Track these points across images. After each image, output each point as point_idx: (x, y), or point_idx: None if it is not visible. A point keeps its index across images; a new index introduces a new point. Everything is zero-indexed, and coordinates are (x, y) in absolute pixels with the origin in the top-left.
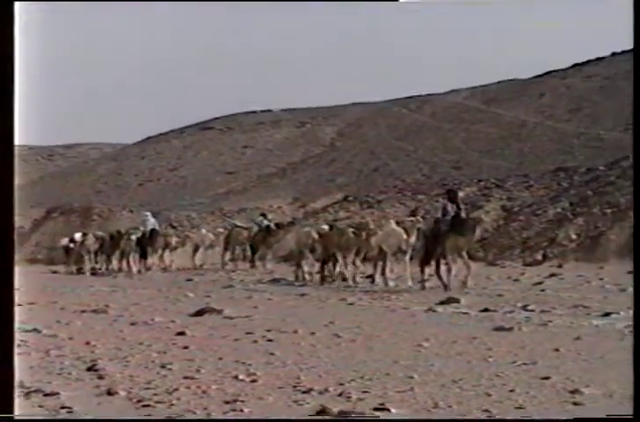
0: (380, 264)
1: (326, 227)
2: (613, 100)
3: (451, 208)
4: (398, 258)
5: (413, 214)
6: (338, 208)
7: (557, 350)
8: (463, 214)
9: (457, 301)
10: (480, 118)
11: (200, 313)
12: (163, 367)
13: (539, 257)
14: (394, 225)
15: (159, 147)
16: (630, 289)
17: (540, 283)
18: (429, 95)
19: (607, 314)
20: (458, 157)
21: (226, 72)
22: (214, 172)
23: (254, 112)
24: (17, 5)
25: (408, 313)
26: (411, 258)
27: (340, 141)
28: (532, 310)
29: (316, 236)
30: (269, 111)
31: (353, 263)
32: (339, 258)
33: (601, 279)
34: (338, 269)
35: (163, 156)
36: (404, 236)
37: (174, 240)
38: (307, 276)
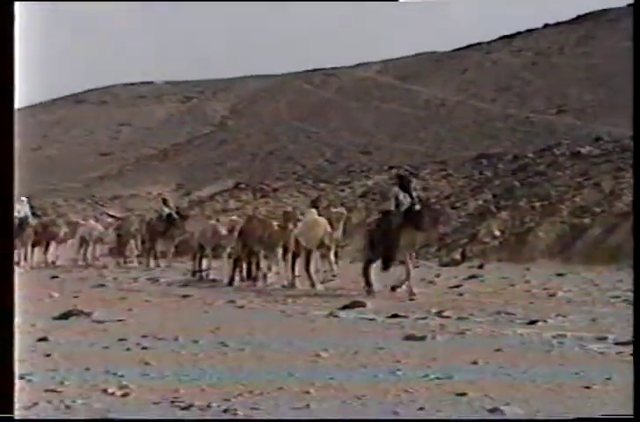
0: (298, 261)
1: (235, 217)
2: (545, 78)
3: (403, 198)
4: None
5: (315, 204)
6: (227, 197)
7: (475, 363)
8: (418, 206)
9: (362, 305)
10: (393, 96)
11: (65, 316)
12: (21, 377)
13: (457, 256)
14: (315, 215)
15: (24, 122)
16: (560, 294)
17: (457, 286)
18: (335, 68)
19: (532, 322)
20: (367, 140)
21: (102, 38)
22: (86, 153)
23: (133, 84)
24: (17, 5)
25: (306, 318)
26: (336, 255)
27: (232, 119)
28: (448, 317)
29: (223, 231)
30: (150, 83)
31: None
32: (263, 256)
33: (527, 281)
34: (272, 269)
35: (26, 133)
36: (328, 229)
37: (63, 231)
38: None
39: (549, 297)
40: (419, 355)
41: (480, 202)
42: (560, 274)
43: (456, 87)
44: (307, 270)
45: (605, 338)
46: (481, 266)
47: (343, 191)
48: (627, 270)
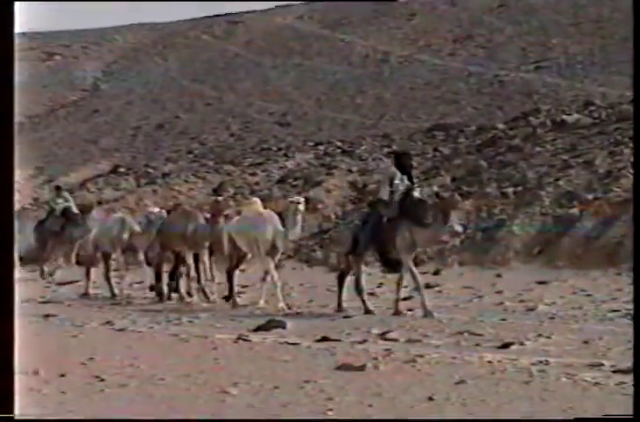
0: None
1: (157, 210)
2: (518, 24)
3: (400, 182)
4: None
5: (217, 193)
6: (102, 184)
7: (431, 399)
8: (417, 193)
9: (282, 325)
10: (319, 49)
11: None
12: None
13: None
14: (260, 207)
15: None
16: (542, 308)
17: (407, 298)
18: (242, 14)
19: (505, 345)
20: (285, 108)
21: None
22: None
23: None
24: (17, 5)
25: (208, 344)
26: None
27: (106, 82)
28: (394, 340)
29: (136, 227)
30: None
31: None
32: (188, 258)
33: (499, 292)
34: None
35: None
36: (280, 228)
37: None
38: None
39: (528, 312)
40: (357, 390)
41: (435, 188)
42: (541, 282)
43: (402, 37)
44: (229, 278)
45: (600, 365)
46: (437, 272)
47: (254, 175)
48: (627, 275)
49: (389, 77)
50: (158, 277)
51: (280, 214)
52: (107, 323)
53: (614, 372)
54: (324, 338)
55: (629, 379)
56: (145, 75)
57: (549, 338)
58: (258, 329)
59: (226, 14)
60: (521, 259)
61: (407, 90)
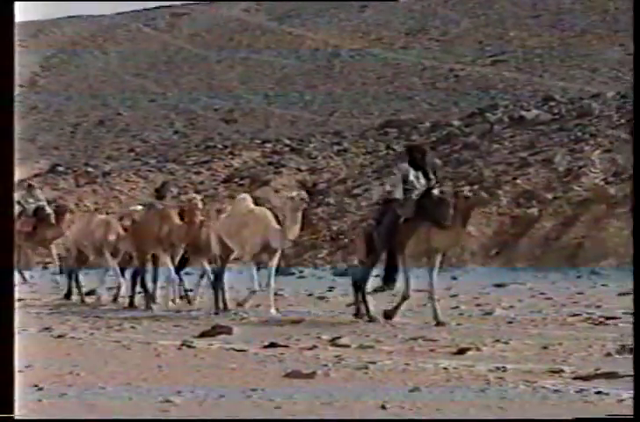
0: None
1: (140, 207)
2: (474, 16)
3: (414, 178)
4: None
5: (159, 193)
6: (41, 184)
7: (384, 407)
8: (437, 191)
9: (228, 331)
10: (267, 42)
11: None
12: None
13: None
14: (251, 204)
15: None
16: (499, 311)
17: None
18: (187, 6)
19: (461, 351)
20: (232, 104)
21: None
22: None
23: None
24: (17, 5)
25: (151, 350)
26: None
27: (45, 76)
28: (346, 346)
29: (120, 230)
30: None
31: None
32: (166, 259)
33: (454, 295)
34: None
35: None
36: (275, 226)
37: None
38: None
39: (485, 316)
40: (307, 399)
41: (387, 187)
42: (499, 285)
43: (354, 30)
44: (215, 288)
45: (560, 372)
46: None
47: (199, 174)
48: (588, 277)
49: (339, 72)
50: (142, 283)
51: (274, 212)
52: (45, 329)
53: (575, 378)
54: (272, 345)
55: (590, 385)
56: (84, 69)
57: (506, 343)
58: (202, 335)
59: (168, 6)
60: (478, 261)
61: (358, 85)
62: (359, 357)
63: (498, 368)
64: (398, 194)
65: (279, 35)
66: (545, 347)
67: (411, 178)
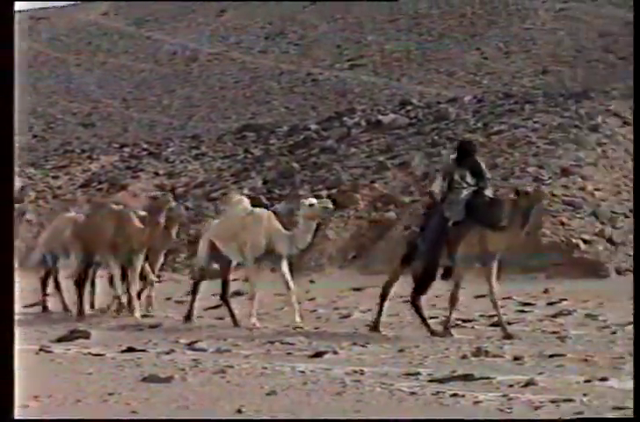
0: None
1: (116, 207)
2: (331, 20)
3: (459, 176)
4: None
5: (16, 198)
6: None
7: (240, 411)
8: (489, 191)
9: (86, 335)
10: (125, 46)
11: None
12: None
13: (215, 265)
14: (248, 206)
15: None
16: (357, 315)
17: (216, 307)
18: (45, 10)
19: (318, 354)
20: (90, 108)
21: None
22: None
23: None
24: (17, 5)
25: None
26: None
27: None
28: (203, 350)
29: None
30: None
31: (142, 275)
32: (112, 267)
33: (311, 299)
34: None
35: None
36: (280, 229)
37: None
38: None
39: (342, 319)
40: (164, 402)
41: (246, 191)
42: (357, 289)
43: (212, 34)
44: (224, 299)
45: (416, 374)
46: (247, 279)
47: (57, 178)
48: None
49: (197, 76)
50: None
51: (276, 214)
52: None
53: (431, 381)
54: (130, 349)
55: (446, 388)
56: None
57: (363, 346)
58: (60, 339)
59: (27, 10)
60: (336, 265)
61: (217, 89)
62: (216, 361)
63: (354, 371)
64: (436, 188)
65: (137, 39)
66: (402, 350)
67: (457, 177)
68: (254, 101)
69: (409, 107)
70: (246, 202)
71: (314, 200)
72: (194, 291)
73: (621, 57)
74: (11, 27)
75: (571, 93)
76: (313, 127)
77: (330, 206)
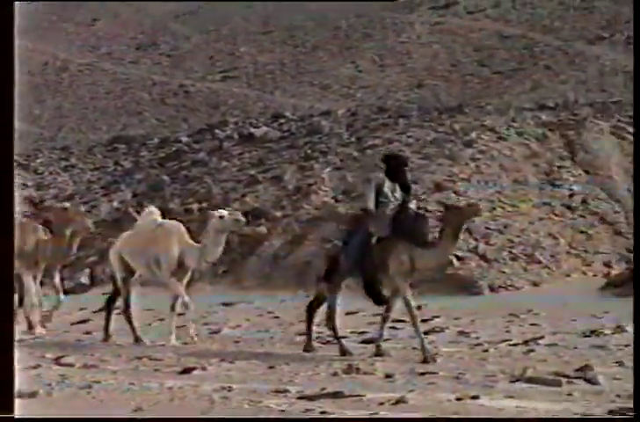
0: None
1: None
2: (206, 32)
3: (389, 190)
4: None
5: None
6: None
7: None
8: (413, 205)
9: None
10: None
11: None
12: None
13: (84, 279)
14: (159, 218)
15: None
16: (226, 331)
17: (84, 321)
18: None
19: (187, 370)
20: None
21: None
22: None
23: None
24: (17, 5)
25: None
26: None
27: None
28: (70, 365)
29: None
30: None
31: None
32: (27, 281)
33: (181, 314)
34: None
35: None
36: (191, 243)
37: None
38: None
39: (211, 335)
40: (26, 420)
41: (115, 204)
42: (226, 304)
43: (83, 44)
44: (127, 315)
45: (285, 391)
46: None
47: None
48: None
49: (68, 86)
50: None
51: (188, 228)
52: None
53: (300, 398)
54: None
55: (315, 405)
56: None
57: (232, 362)
58: None
59: None
60: (206, 280)
61: (87, 99)
62: (83, 376)
63: (223, 388)
64: (370, 204)
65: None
66: (272, 367)
67: (386, 189)
68: (125, 112)
69: (282, 120)
70: (157, 214)
71: (224, 212)
72: (108, 308)
73: (496, 72)
74: (12, 27)
75: (446, 108)
76: (184, 139)
77: (242, 218)
